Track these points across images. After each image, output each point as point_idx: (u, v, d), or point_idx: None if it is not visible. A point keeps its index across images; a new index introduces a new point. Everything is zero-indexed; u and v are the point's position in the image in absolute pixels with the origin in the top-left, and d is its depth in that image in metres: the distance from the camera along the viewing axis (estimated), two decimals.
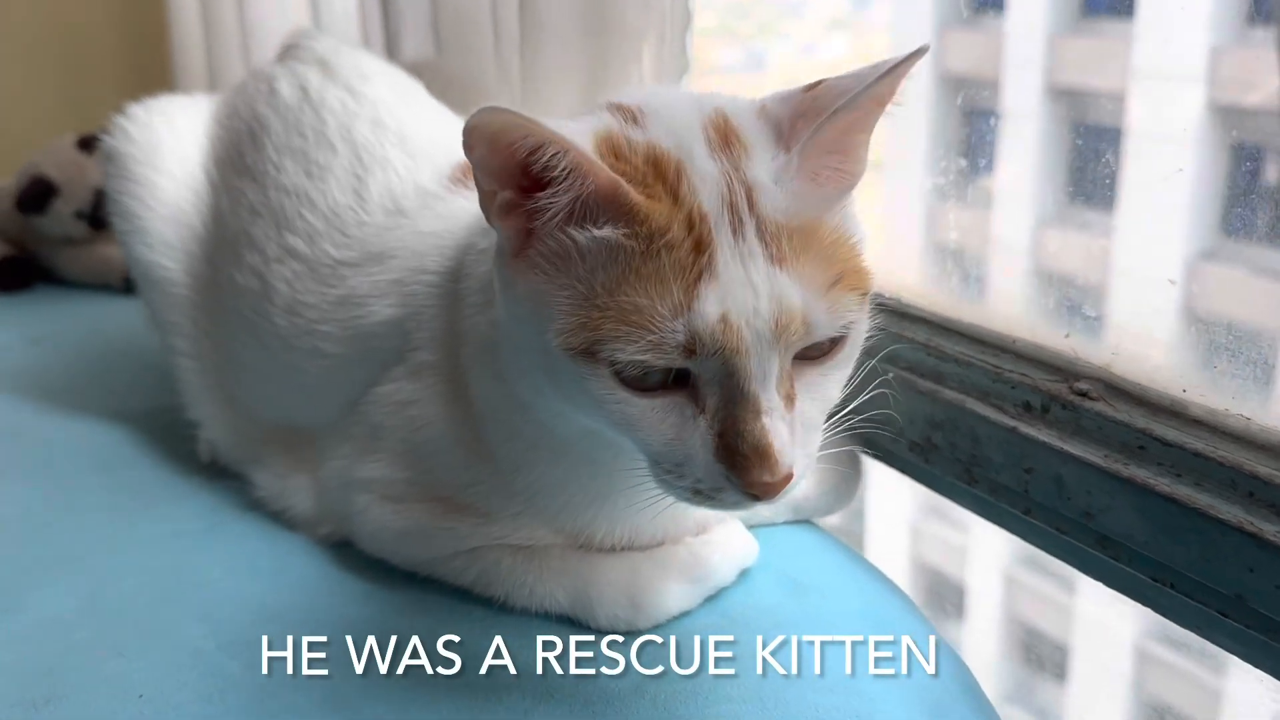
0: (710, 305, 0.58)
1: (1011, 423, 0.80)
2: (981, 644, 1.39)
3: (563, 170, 0.59)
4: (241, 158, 0.99)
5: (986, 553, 1.40)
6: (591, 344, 0.59)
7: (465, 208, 0.85)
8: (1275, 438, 0.69)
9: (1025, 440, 0.79)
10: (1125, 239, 0.86)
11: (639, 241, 0.59)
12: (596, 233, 0.60)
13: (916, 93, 1.06)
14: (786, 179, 0.61)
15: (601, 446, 0.70)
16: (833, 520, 1.42)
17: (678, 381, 0.61)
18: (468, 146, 0.59)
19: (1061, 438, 0.77)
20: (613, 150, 0.62)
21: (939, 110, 1.04)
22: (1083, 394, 0.77)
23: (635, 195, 0.59)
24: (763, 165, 0.62)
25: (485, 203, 0.62)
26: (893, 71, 0.59)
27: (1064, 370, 0.80)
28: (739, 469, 0.59)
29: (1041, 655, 1.32)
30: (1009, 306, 0.94)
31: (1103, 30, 0.94)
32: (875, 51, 1.24)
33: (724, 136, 0.63)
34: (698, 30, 1.49)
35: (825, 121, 0.60)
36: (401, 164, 0.92)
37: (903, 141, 1.10)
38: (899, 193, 1.13)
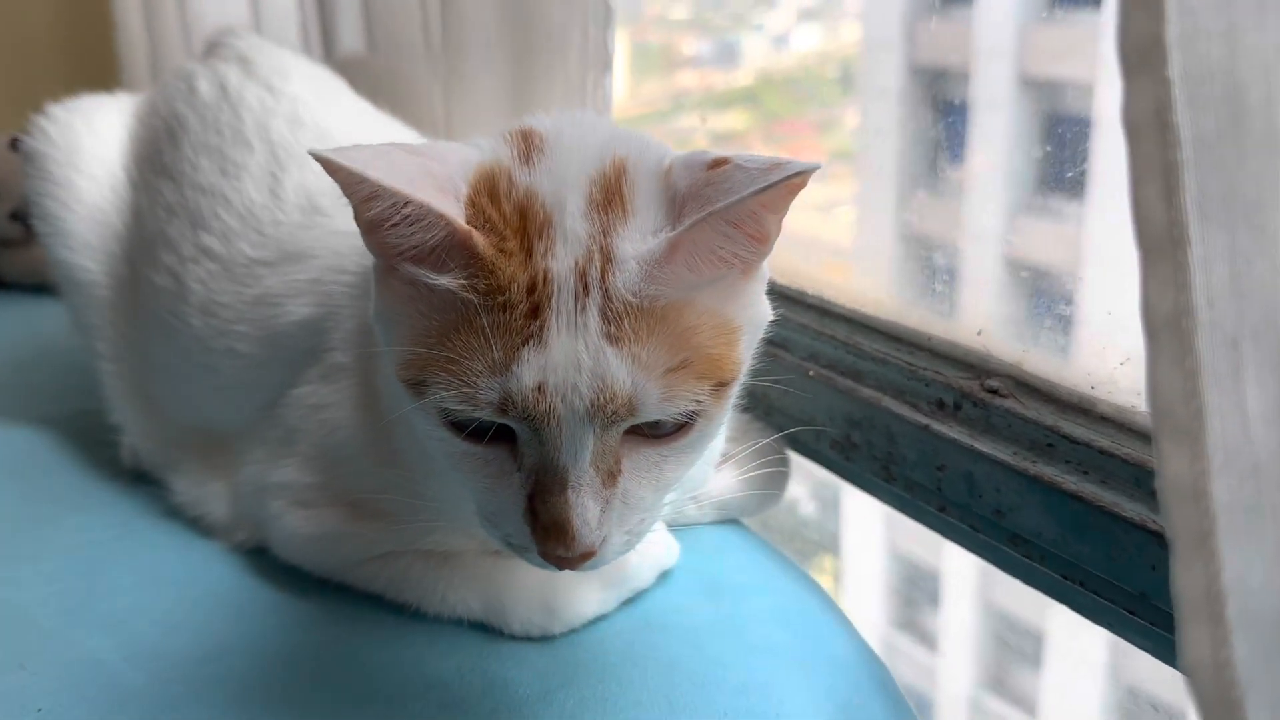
0: (528, 372, 0.56)
1: (925, 420, 0.80)
2: (958, 632, 1.39)
3: (404, 218, 0.58)
4: (159, 156, 0.97)
5: None
6: (418, 380, 0.59)
7: None
8: None
9: (937, 438, 0.78)
10: (1096, 227, 0.86)
11: (477, 295, 0.57)
12: (439, 279, 0.58)
13: (887, 83, 1.05)
14: (649, 260, 0.57)
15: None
16: (808, 511, 1.42)
17: (505, 435, 0.59)
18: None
19: (972, 435, 0.77)
20: (489, 190, 0.60)
21: (909, 100, 1.04)
22: (993, 391, 0.77)
23: (487, 250, 0.57)
24: (633, 238, 0.58)
25: (355, 216, 0.61)
26: (775, 186, 0.55)
27: (976, 367, 0.80)
28: (537, 536, 0.59)
29: (1017, 642, 1.32)
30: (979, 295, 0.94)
31: (1072, 20, 0.94)
32: (848, 42, 1.24)
33: (608, 195, 0.60)
34: (671, 22, 1.49)
35: (701, 219, 0.56)
36: None
37: (873, 132, 1.09)
38: (869, 183, 1.13)
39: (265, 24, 1.54)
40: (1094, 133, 0.83)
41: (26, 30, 2.04)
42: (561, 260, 0.58)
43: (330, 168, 0.57)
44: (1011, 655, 1.33)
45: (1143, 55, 0.37)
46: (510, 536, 0.61)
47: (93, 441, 1.03)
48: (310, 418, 0.81)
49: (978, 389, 0.78)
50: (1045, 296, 0.88)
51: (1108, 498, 0.69)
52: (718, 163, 0.59)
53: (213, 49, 1.07)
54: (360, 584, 0.80)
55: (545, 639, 0.75)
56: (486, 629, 0.76)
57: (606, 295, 0.57)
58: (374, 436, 0.77)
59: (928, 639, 1.39)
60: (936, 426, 0.79)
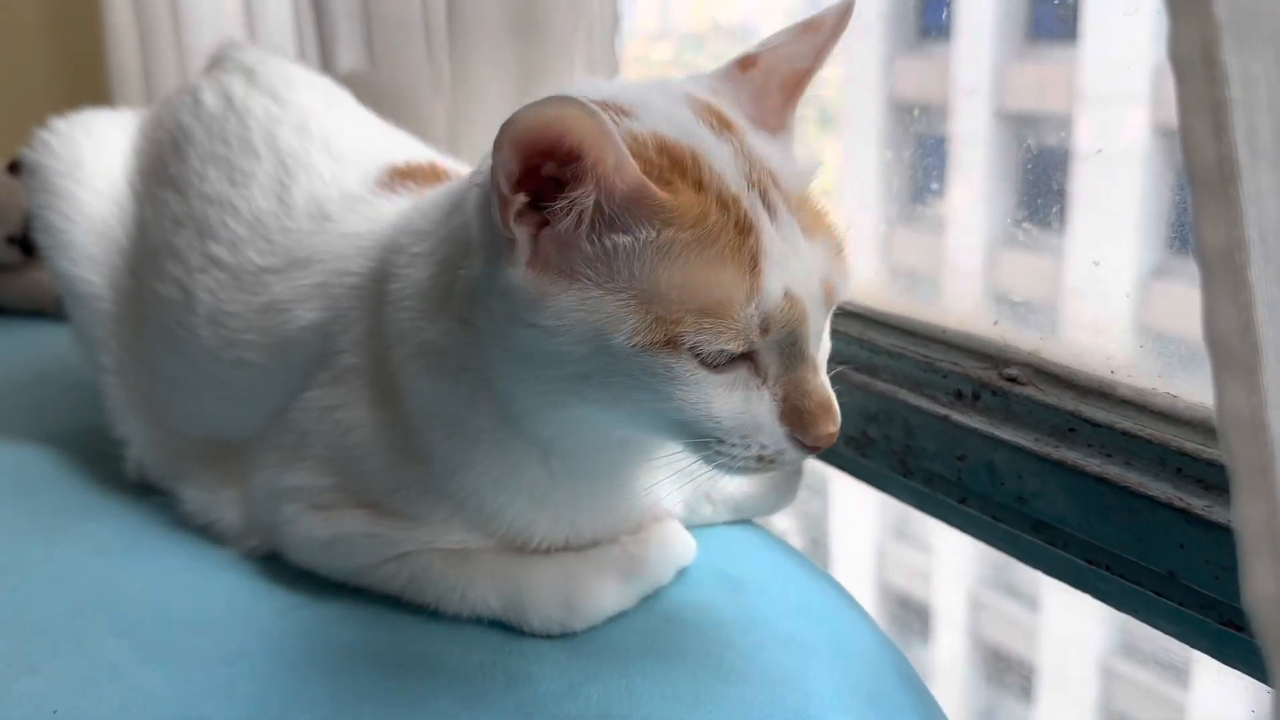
0: (774, 284, 0.59)
1: (943, 411, 0.80)
2: (948, 666, 1.38)
3: (584, 175, 0.58)
4: (165, 168, 0.97)
5: (951, 574, 1.40)
6: (671, 338, 0.59)
7: (392, 210, 0.83)
8: (1201, 414, 0.69)
9: (957, 428, 0.78)
10: (1075, 258, 0.87)
11: (683, 233, 0.59)
12: (633, 236, 0.59)
13: (867, 119, 1.06)
14: (788, 154, 0.64)
15: (563, 445, 0.71)
16: (797, 545, 1.42)
17: (740, 355, 0.62)
18: (499, 144, 0.58)
19: (992, 424, 0.77)
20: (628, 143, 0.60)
21: (890, 136, 1.05)
22: (1012, 379, 0.77)
23: (660, 193, 0.59)
24: (762, 143, 0.63)
25: (502, 210, 0.60)
26: (848, 13, 0.66)
27: (993, 357, 0.80)
28: (806, 425, 0.62)
29: (1008, 675, 1.31)
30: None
31: (1048, 55, 0.95)
32: (828, 79, 1.25)
33: (720, 120, 0.64)
34: (653, 62, 1.50)
35: (803, 90, 0.66)
36: (327, 169, 0.90)
37: (855, 167, 1.10)
38: (852, 219, 1.13)
39: (262, 43, 1.54)
40: (1072, 165, 0.84)
41: (18, 57, 2.04)
42: (730, 178, 0.61)
43: (556, 123, 0.56)
44: (1002, 688, 1.32)
45: None
46: (764, 448, 0.63)
47: (97, 457, 1.02)
48: (323, 420, 0.81)
49: (996, 378, 0.78)
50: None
51: (1133, 478, 0.69)
52: (747, 62, 0.68)
53: (216, 62, 1.06)
54: (378, 585, 0.79)
55: (566, 636, 0.74)
56: (507, 626, 0.75)
57: (784, 196, 0.62)
58: (391, 435, 0.77)
59: (918, 672, 1.38)
60: (956, 417, 0.79)
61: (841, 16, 0.66)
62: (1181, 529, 0.66)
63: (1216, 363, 0.38)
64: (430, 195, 0.80)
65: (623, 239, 0.60)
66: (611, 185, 0.59)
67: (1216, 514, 0.64)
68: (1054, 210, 0.86)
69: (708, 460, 0.64)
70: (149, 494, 0.95)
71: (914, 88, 1.07)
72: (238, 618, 0.78)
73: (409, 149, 0.98)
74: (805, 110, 0.69)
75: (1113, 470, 0.70)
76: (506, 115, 1.05)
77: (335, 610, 0.78)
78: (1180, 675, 1.06)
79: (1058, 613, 1.16)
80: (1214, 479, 0.66)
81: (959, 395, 0.80)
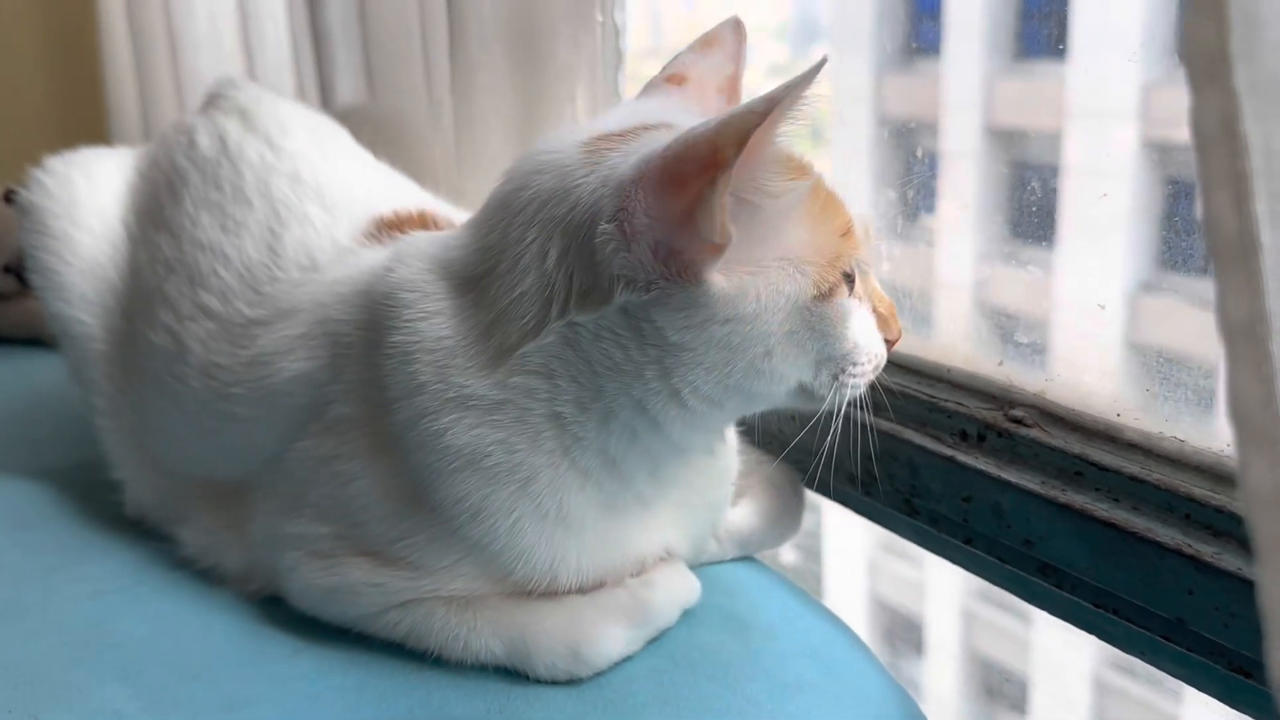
0: (854, 214, 0.70)
1: (949, 452, 0.80)
2: (941, 679, 1.38)
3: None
4: (160, 210, 0.96)
5: (943, 588, 1.40)
6: (838, 278, 0.67)
7: (375, 259, 0.82)
8: (1209, 459, 0.69)
9: (962, 469, 0.78)
10: (1065, 274, 0.87)
11: (806, 181, 0.66)
12: (786, 196, 0.66)
13: (857, 136, 1.06)
14: None
15: (626, 475, 0.73)
16: (790, 559, 1.42)
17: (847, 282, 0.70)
18: (722, 146, 0.60)
19: (998, 465, 0.77)
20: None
21: (880, 153, 1.05)
22: (1018, 421, 0.77)
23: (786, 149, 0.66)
24: None
25: (721, 214, 0.62)
26: (740, 25, 0.79)
27: (999, 398, 0.80)
28: (890, 324, 0.73)
29: (1001, 688, 1.31)
30: (953, 343, 0.94)
31: (1037, 71, 0.96)
32: (818, 95, 1.25)
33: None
34: (642, 79, 1.50)
35: (738, 90, 0.79)
36: (319, 219, 0.89)
37: (846, 184, 1.10)
38: None
39: (261, 76, 1.54)
40: (1061, 180, 0.84)
41: (17, 86, 2.04)
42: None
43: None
44: (996, 702, 1.32)
45: (1209, 67, 0.37)
46: (877, 355, 0.72)
47: (95, 493, 1.00)
48: (319, 470, 0.79)
49: (1001, 419, 0.78)
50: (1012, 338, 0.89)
51: (1140, 523, 0.68)
52: (677, 78, 0.77)
53: (212, 100, 1.05)
54: (381, 633, 0.78)
55: (573, 682, 0.74)
56: (512, 672, 0.74)
57: None
58: (393, 484, 0.75)
59: (912, 687, 1.38)
60: (961, 458, 0.78)
61: (736, 28, 0.77)
62: (1190, 576, 0.65)
63: (1240, 436, 0.38)
64: (416, 251, 0.78)
65: (778, 202, 0.66)
66: (773, 153, 0.65)
67: (1225, 561, 0.64)
68: (1044, 229, 0.86)
69: (844, 390, 0.70)
70: (146, 534, 0.94)
71: (904, 104, 1.08)
72: (240, 663, 0.77)
73: (402, 194, 0.97)
74: (796, 125, 0.70)
75: (1120, 515, 0.70)
76: (508, 148, 1.06)
77: (339, 655, 0.77)
78: (1173, 689, 1.06)
79: (1050, 626, 1.16)
80: (1222, 525, 0.66)
81: (964, 436, 0.80)
